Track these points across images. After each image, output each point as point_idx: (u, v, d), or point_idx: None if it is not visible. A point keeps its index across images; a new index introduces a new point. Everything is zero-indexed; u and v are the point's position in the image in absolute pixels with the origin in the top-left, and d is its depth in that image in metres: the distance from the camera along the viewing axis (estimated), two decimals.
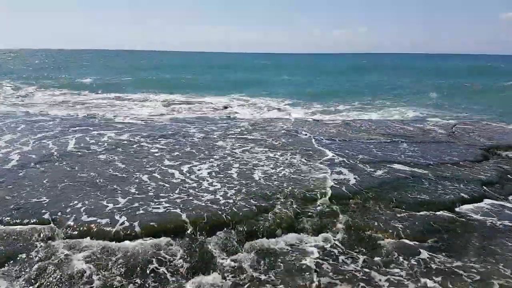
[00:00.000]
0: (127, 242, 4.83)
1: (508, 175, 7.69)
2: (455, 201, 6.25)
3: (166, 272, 4.32)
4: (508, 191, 6.87)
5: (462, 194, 6.49)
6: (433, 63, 74.24)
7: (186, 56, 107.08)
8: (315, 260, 4.60)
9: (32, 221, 5.25)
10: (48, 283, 4.07)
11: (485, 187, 6.91)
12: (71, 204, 5.76)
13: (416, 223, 5.51)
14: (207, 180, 6.89)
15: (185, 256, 4.60)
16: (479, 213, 5.91)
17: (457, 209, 6.01)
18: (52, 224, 5.19)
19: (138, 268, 4.35)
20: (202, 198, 6.05)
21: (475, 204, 6.22)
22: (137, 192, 6.28)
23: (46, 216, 5.38)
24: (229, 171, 7.41)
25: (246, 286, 4.15)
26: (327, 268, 4.46)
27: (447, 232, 5.30)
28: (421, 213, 5.85)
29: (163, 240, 4.91)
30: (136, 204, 5.78)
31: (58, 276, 4.16)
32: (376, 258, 4.66)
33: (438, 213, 5.85)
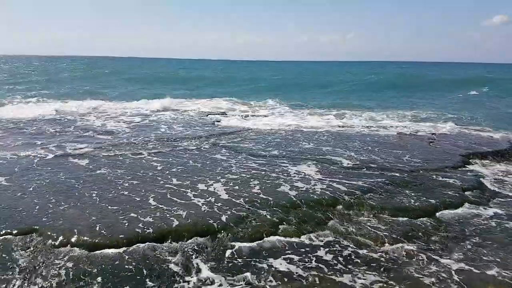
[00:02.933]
0: (108, 250, 4.81)
1: (488, 181, 7.86)
2: (436, 206, 6.36)
3: (148, 278, 4.28)
4: (488, 197, 7.01)
5: (443, 200, 6.61)
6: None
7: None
8: (298, 264, 4.60)
9: (12, 231, 5.19)
10: None
11: (465, 193, 7.05)
12: (51, 212, 5.73)
13: (397, 229, 5.58)
14: (190, 187, 6.91)
15: (167, 263, 4.59)
16: (459, 218, 6.02)
17: (437, 215, 6.11)
18: (33, 234, 5.14)
19: (120, 275, 4.32)
20: (185, 204, 6.07)
21: (456, 210, 6.33)
22: (118, 200, 6.27)
23: (27, 225, 5.33)
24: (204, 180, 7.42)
25: None
26: (308, 271, 4.46)
27: (428, 237, 5.37)
28: (402, 219, 5.93)
29: (146, 246, 4.90)
30: (119, 212, 5.77)
31: (40, 286, 4.10)
32: (357, 263, 4.68)
33: (419, 219, 5.94)
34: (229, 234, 5.26)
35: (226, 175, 7.69)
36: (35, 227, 5.29)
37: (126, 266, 4.49)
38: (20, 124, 13.19)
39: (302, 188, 7.02)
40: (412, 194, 6.90)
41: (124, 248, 4.86)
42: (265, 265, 4.59)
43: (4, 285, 4.11)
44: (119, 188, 6.84)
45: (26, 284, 4.13)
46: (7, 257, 4.62)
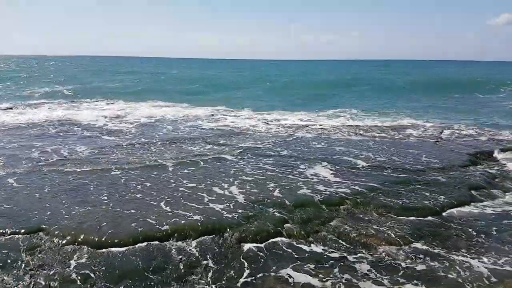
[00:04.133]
0: (115, 249, 4.87)
1: (495, 179, 7.84)
2: (443, 205, 6.35)
3: (153, 275, 4.34)
4: (495, 195, 6.99)
5: (450, 199, 6.60)
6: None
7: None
8: (303, 265, 4.62)
9: (19, 230, 5.26)
10: None
11: (472, 192, 7.03)
12: (59, 212, 5.82)
13: (404, 228, 5.57)
14: (194, 187, 6.99)
15: (172, 261, 4.64)
16: (466, 217, 6.01)
17: (444, 214, 6.10)
18: (40, 232, 5.22)
19: (126, 272, 4.38)
20: (189, 205, 6.15)
21: (462, 208, 6.32)
22: (126, 200, 6.37)
23: (34, 224, 5.41)
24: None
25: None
26: (315, 272, 4.48)
27: (434, 236, 5.37)
28: (409, 218, 5.93)
29: (152, 245, 4.97)
30: (126, 211, 5.84)
31: (47, 284, 4.17)
32: (364, 263, 4.69)
33: (426, 218, 5.94)
34: (238, 234, 5.27)
35: (240, 176, 7.71)
36: (43, 226, 5.36)
37: (132, 264, 4.55)
38: (25, 127, 13.35)
39: (315, 188, 7.01)
40: (419, 193, 6.89)
41: (131, 247, 4.92)
42: (272, 267, 4.59)
43: (12, 283, 4.15)
44: (129, 188, 6.88)
45: (33, 282, 4.18)
46: (14, 256, 4.68)
